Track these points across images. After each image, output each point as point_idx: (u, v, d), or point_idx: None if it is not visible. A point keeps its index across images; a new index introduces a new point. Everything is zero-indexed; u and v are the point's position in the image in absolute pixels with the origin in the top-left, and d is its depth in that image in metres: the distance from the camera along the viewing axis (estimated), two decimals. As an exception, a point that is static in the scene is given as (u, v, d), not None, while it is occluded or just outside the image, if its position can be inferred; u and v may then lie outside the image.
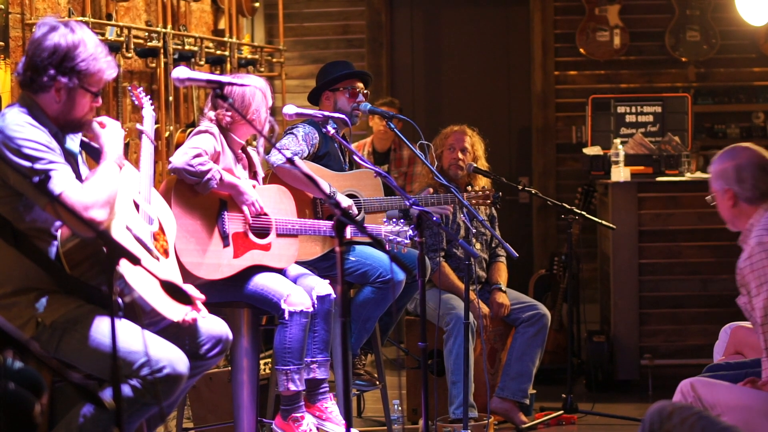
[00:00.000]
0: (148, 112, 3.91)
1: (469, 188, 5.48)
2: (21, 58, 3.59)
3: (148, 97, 3.98)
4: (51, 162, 3.39)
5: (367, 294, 4.97)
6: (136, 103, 3.95)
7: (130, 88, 4.01)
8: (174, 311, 3.59)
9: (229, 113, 4.45)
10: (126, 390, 3.42)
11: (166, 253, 3.76)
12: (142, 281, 3.49)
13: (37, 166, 3.36)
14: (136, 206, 3.69)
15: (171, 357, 3.49)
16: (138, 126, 3.84)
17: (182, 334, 3.71)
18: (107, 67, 3.53)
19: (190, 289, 3.76)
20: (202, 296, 3.77)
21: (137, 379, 3.42)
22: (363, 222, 4.95)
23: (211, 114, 4.48)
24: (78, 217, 3.27)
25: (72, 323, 3.47)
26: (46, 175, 3.34)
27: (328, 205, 4.86)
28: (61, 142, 3.51)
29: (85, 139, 3.71)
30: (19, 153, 3.36)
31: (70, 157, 3.55)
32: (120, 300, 3.52)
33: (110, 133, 3.63)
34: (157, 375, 3.43)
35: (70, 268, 3.40)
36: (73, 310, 3.49)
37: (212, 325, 3.80)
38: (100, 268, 3.44)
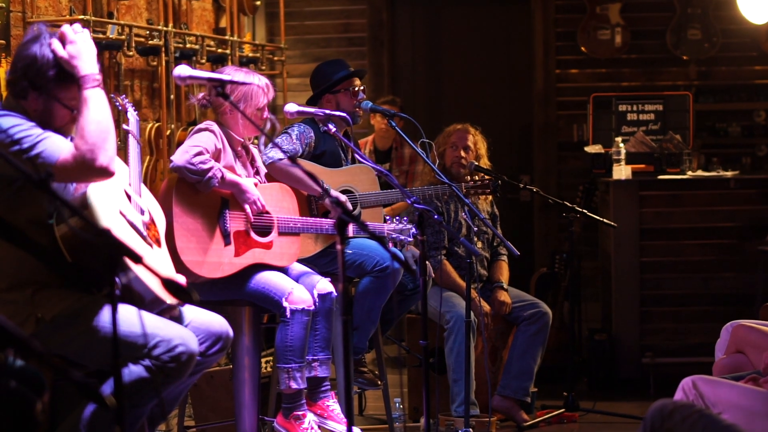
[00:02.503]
0: (132, 114, 3.96)
1: (468, 178, 5.47)
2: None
3: (131, 104, 4.03)
4: (38, 136, 3.37)
5: (367, 284, 4.96)
6: (120, 108, 4.01)
7: (113, 96, 4.05)
8: (167, 296, 3.57)
9: (208, 98, 4.54)
10: (140, 371, 3.42)
11: (158, 242, 3.77)
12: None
13: (26, 144, 3.34)
14: (128, 197, 3.70)
15: (183, 335, 3.50)
16: (125, 126, 3.91)
17: None
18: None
19: (179, 278, 3.77)
20: (183, 278, 3.79)
21: (150, 359, 3.43)
22: (360, 217, 4.95)
23: (199, 95, 4.58)
24: (87, 172, 3.28)
25: (74, 317, 3.46)
26: (38, 150, 3.33)
27: (323, 202, 4.86)
28: None
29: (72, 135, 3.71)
30: (7, 140, 3.35)
31: None
32: (117, 280, 3.47)
33: (81, 47, 3.48)
34: (171, 354, 3.44)
35: (69, 255, 3.37)
36: (73, 303, 3.47)
37: (211, 323, 3.79)
38: (96, 252, 3.39)
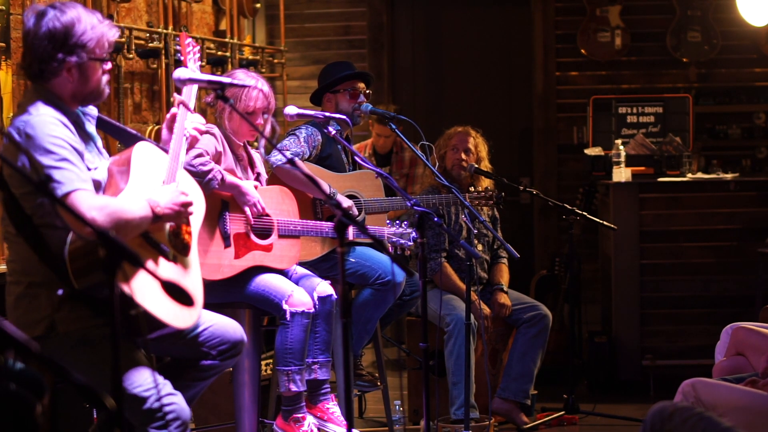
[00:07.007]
0: (191, 72, 3.69)
1: (472, 189, 5.49)
2: (21, 54, 3.55)
3: (196, 47, 3.81)
4: (65, 156, 3.29)
5: (367, 296, 4.97)
6: (181, 58, 3.81)
7: (177, 38, 3.82)
8: (180, 319, 3.45)
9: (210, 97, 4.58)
10: None
11: (186, 248, 3.58)
12: (147, 292, 3.32)
13: (54, 162, 3.27)
14: None
15: (179, 405, 3.39)
16: (176, 96, 3.70)
17: (188, 343, 3.66)
18: (108, 29, 3.45)
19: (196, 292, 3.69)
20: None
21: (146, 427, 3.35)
22: (364, 223, 4.95)
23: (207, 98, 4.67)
24: (79, 218, 3.20)
25: (87, 344, 3.37)
26: (58, 173, 3.26)
27: (328, 206, 4.86)
28: (81, 127, 3.45)
29: (102, 116, 3.61)
30: (42, 150, 3.28)
31: (89, 140, 3.48)
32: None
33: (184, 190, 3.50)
34: (167, 419, 3.34)
35: (75, 278, 3.26)
36: (91, 329, 3.38)
37: (227, 328, 3.74)
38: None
